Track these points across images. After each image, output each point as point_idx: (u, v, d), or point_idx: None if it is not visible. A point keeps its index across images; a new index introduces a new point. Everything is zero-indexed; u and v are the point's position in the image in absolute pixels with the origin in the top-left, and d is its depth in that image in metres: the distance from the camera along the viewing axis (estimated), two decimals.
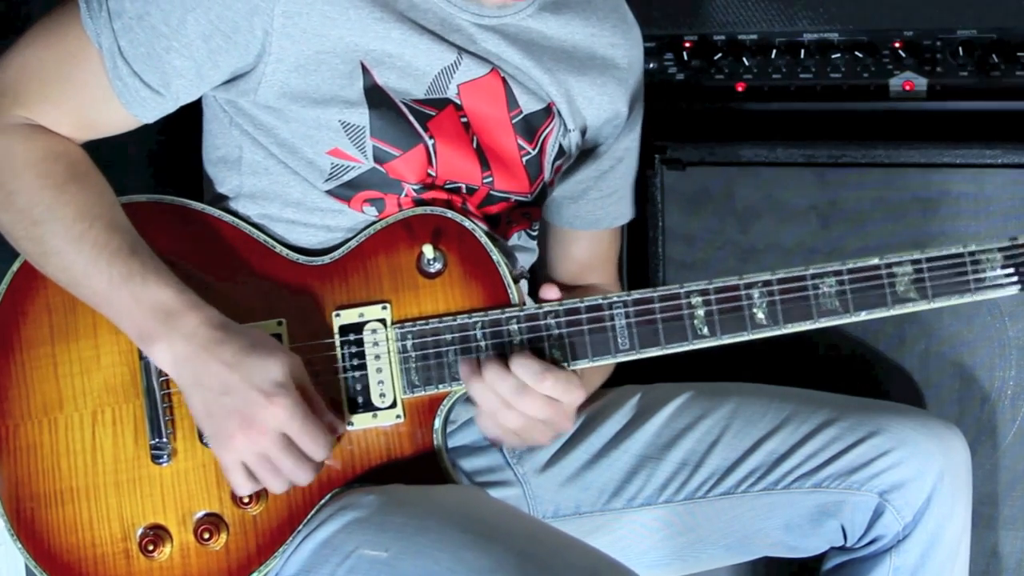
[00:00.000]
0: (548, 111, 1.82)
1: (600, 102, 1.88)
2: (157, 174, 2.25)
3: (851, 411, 1.86)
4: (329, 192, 1.74)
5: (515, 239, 1.88)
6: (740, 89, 2.34)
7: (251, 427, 1.57)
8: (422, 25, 1.71)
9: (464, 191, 1.78)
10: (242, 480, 1.62)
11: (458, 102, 1.74)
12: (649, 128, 2.16)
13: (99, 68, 1.64)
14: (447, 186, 1.76)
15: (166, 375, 1.68)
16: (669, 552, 1.92)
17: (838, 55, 2.29)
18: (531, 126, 1.81)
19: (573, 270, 2.06)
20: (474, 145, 1.77)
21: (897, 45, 2.27)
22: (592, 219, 2.02)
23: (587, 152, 1.95)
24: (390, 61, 1.69)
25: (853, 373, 2.22)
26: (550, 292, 1.67)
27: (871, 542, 1.84)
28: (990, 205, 2.14)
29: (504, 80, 1.77)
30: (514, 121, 1.79)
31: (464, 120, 1.76)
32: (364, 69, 1.69)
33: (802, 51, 2.30)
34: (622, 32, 1.92)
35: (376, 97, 1.70)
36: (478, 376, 1.63)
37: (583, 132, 1.90)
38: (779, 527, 1.87)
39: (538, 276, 2.03)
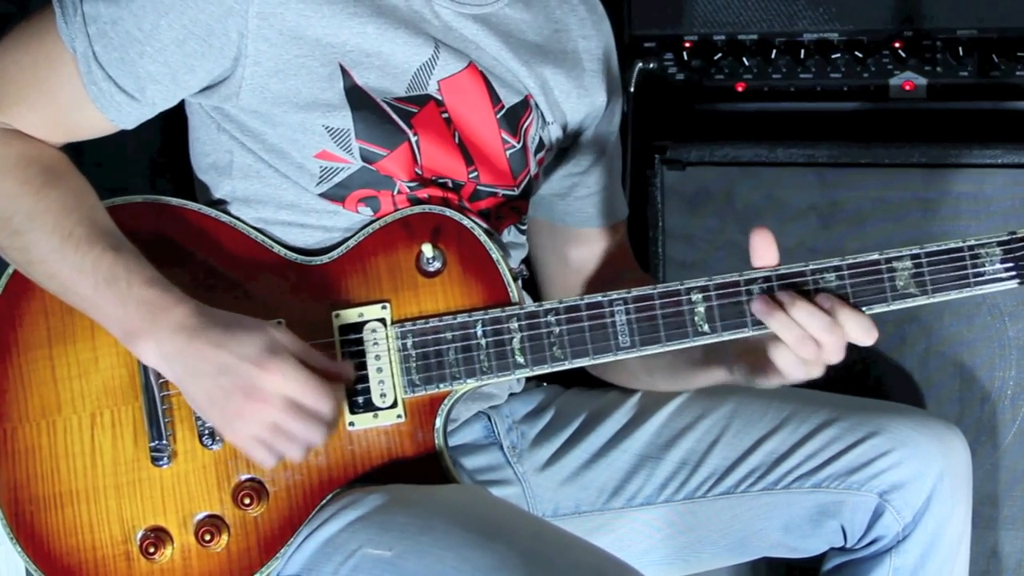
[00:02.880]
0: (525, 103, 1.82)
1: (578, 94, 1.88)
2: (158, 175, 2.25)
3: (851, 411, 1.86)
4: (322, 194, 1.73)
5: (506, 235, 1.88)
6: (740, 89, 2.35)
7: (252, 398, 1.56)
8: (398, 17, 1.71)
9: (451, 186, 1.77)
10: (264, 455, 1.60)
11: (439, 98, 1.74)
12: (649, 128, 2.16)
13: (74, 73, 1.64)
14: (438, 181, 1.76)
15: (165, 377, 1.68)
16: (669, 552, 1.92)
17: (838, 55, 2.29)
18: (514, 119, 1.81)
19: (589, 269, 2.04)
20: (456, 140, 1.77)
21: (897, 45, 2.27)
22: (584, 216, 2.00)
23: (569, 147, 1.95)
24: (368, 61, 1.69)
25: (853, 373, 2.22)
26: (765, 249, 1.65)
27: (871, 543, 1.84)
28: (990, 205, 2.14)
29: (483, 74, 1.77)
30: (498, 116, 1.79)
31: (445, 116, 1.75)
32: (343, 71, 1.68)
33: (802, 51, 2.31)
34: (592, 23, 1.92)
35: (357, 98, 1.69)
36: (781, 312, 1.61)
37: (564, 127, 1.90)
38: (779, 527, 1.87)
39: (536, 277, 2.02)
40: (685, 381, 1.88)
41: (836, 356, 1.63)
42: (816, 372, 1.65)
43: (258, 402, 1.56)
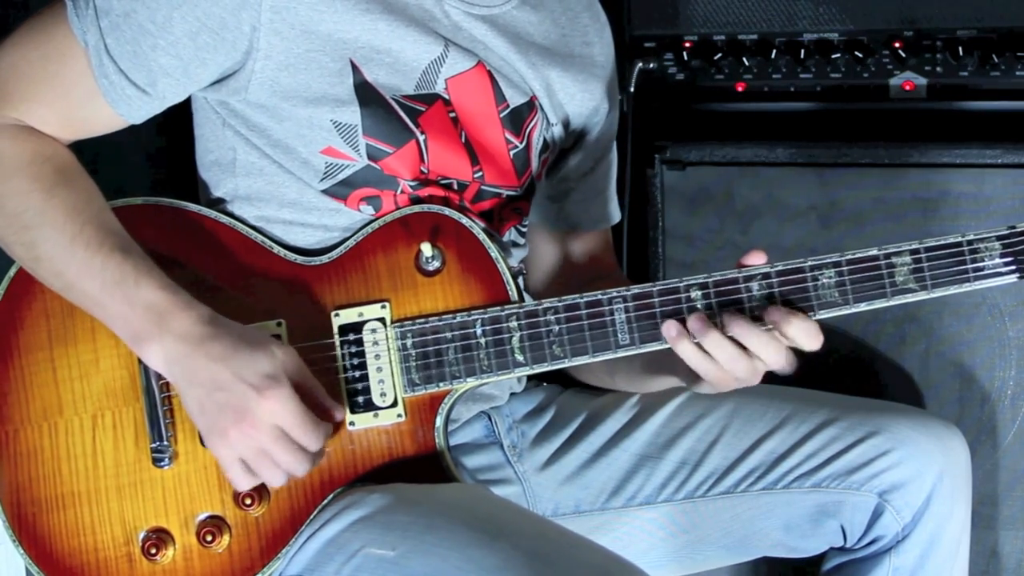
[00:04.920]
0: (531, 105, 1.83)
1: (582, 98, 1.89)
2: (157, 176, 2.26)
3: (851, 411, 1.86)
4: (325, 191, 1.74)
5: (507, 235, 1.88)
6: (740, 89, 2.35)
7: (244, 421, 1.57)
8: (408, 15, 1.71)
9: (456, 187, 1.78)
10: (240, 476, 1.61)
11: (446, 97, 1.75)
12: (649, 128, 2.16)
13: (85, 66, 1.64)
14: (441, 182, 1.76)
15: (165, 378, 1.68)
16: (669, 552, 1.92)
17: (838, 55, 2.29)
18: (518, 120, 1.82)
19: (572, 269, 2.05)
20: (463, 140, 1.77)
21: (897, 45, 2.27)
22: (576, 220, 2.02)
23: (568, 150, 1.96)
24: (378, 57, 1.70)
25: (853, 373, 2.22)
26: (757, 258, 1.65)
27: (871, 543, 1.84)
28: (990, 205, 2.15)
29: (490, 74, 1.78)
30: (502, 115, 1.79)
31: (453, 115, 1.76)
32: (353, 67, 1.69)
33: (802, 51, 2.31)
34: (595, 31, 1.93)
35: (366, 94, 1.70)
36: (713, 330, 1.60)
37: (566, 126, 1.90)
38: (779, 527, 1.87)
39: (530, 276, 2.03)
40: (641, 386, 1.92)
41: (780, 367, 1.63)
42: (756, 380, 1.66)
43: (248, 427, 1.57)
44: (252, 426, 1.57)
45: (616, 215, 2.07)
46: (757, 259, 1.64)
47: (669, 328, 1.62)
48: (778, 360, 1.61)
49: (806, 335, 1.60)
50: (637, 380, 1.91)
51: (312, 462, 1.62)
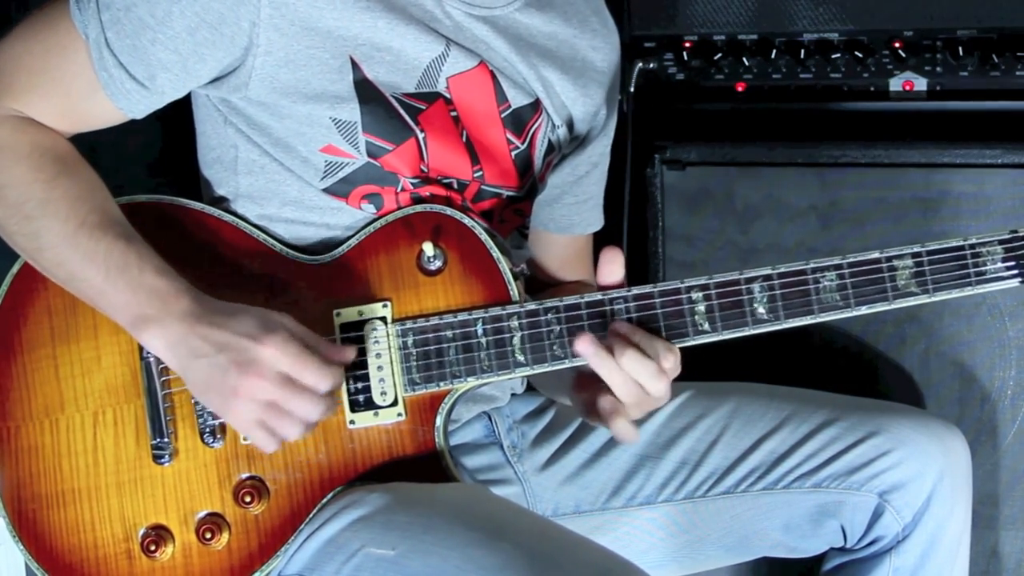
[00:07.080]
0: (536, 106, 1.83)
1: (584, 103, 1.89)
2: (158, 175, 2.25)
3: (851, 411, 1.86)
4: (326, 190, 1.74)
5: (510, 239, 1.88)
6: (740, 89, 2.35)
7: (248, 374, 1.56)
8: (409, 14, 1.71)
9: (456, 186, 1.78)
10: (263, 437, 1.60)
11: (448, 96, 1.75)
12: (649, 128, 2.16)
13: (86, 59, 1.64)
14: (442, 180, 1.76)
15: (167, 375, 1.69)
16: (669, 552, 1.92)
17: (838, 55, 2.30)
18: (520, 121, 1.81)
19: (551, 268, 2.06)
20: (464, 139, 1.77)
21: (897, 45, 2.27)
22: (566, 223, 2.02)
23: (567, 153, 1.96)
24: (379, 55, 1.70)
25: (853, 373, 2.23)
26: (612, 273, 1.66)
27: (871, 543, 1.84)
28: (990, 205, 2.15)
29: (492, 74, 1.77)
30: (503, 115, 1.79)
31: (454, 114, 1.76)
32: (353, 64, 1.69)
33: (802, 51, 2.31)
34: (602, 36, 1.93)
35: (366, 92, 1.70)
36: (610, 359, 1.60)
37: (570, 128, 1.90)
38: (779, 527, 1.87)
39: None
40: (560, 399, 1.94)
41: (662, 400, 1.64)
42: (637, 414, 1.65)
43: (253, 376, 1.56)
44: (257, 375, 1.56)
45: (601, 221, 2.07)
46: (614, 267, 1.65)
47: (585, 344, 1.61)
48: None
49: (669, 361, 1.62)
50: (557, 396, 1.95)
51: (326, 406, 1.60)
